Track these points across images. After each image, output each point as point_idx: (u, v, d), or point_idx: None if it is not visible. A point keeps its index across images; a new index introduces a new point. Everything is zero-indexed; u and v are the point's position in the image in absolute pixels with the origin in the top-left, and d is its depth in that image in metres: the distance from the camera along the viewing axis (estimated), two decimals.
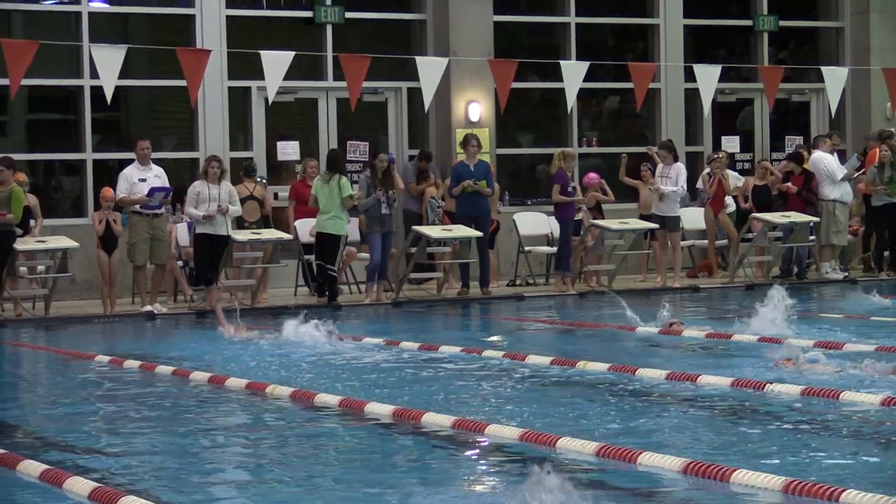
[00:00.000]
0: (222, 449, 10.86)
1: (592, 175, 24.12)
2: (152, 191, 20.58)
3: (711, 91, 23.79)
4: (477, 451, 10.10)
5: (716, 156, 24.60)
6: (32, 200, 21.08)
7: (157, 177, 20.76)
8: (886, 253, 24.49)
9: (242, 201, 21.44)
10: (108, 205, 21.03)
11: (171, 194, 20.94)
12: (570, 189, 22.98)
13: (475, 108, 24.35)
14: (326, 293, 21.40)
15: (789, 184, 24.17)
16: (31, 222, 20.95)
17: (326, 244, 21.23)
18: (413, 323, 18.98)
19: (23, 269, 20.67)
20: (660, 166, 23.50)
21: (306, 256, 22.32)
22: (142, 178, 20.57)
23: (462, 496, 8.51)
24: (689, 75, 24.48)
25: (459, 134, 24.11)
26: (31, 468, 9.39)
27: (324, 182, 21.18)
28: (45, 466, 9.01)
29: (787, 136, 27.32)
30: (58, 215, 22.23)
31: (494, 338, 17.54)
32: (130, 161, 21.13)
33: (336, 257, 21.32)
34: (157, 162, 21.14)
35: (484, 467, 9.70)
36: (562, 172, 23.06)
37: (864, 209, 25.05)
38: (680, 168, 23.59)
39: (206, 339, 17.73)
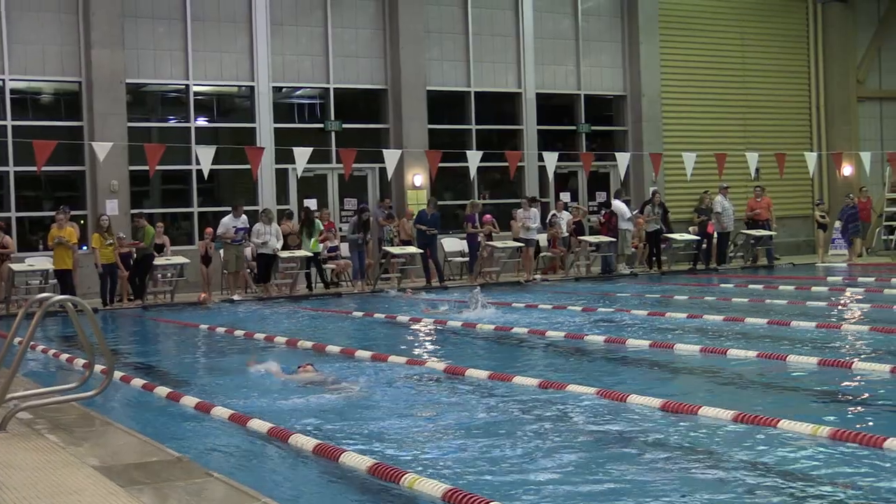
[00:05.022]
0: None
1: (487, 216, 24.25)
2: (238, 230, 20.80)
3: (553, 167, 23.97)
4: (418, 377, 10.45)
5: (554, 211, 24.95)
6: (166, 239, 21.24)
7: (243, 223, 20.95)
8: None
9: (286, 235, 21.66)
10: (207, 238, 21.28)
11: (247, 231, 21.12)
12: (474, 224, 23.33)
13: (418, 178, 24.44)
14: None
15: (601, 217, 24.60)
16: (165, 250, 21.07)
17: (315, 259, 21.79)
18: (383, 303, 19.07)
19: (158, 276, 20.86)
20: (521, 210, 23.83)
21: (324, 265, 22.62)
22: (235, 226, 20.74)
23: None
24: (541, 158, 24.48)
25: (410, 194, 24.43)
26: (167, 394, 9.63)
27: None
28: (196, 400, 8.99)
29: (596, 192, 27.61)
30: (178, 244, 22.13)
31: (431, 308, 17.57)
32: (222, 213, 21.38)
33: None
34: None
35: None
36: (471, 215, 23.43)
37: (643, 233, 25.33)
38: (536, 212, 23.96)
39: (263, 315, 17.99)
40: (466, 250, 23.72)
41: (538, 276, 23.33)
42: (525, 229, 23.57)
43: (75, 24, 21.74)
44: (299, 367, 10.13)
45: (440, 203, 24.30)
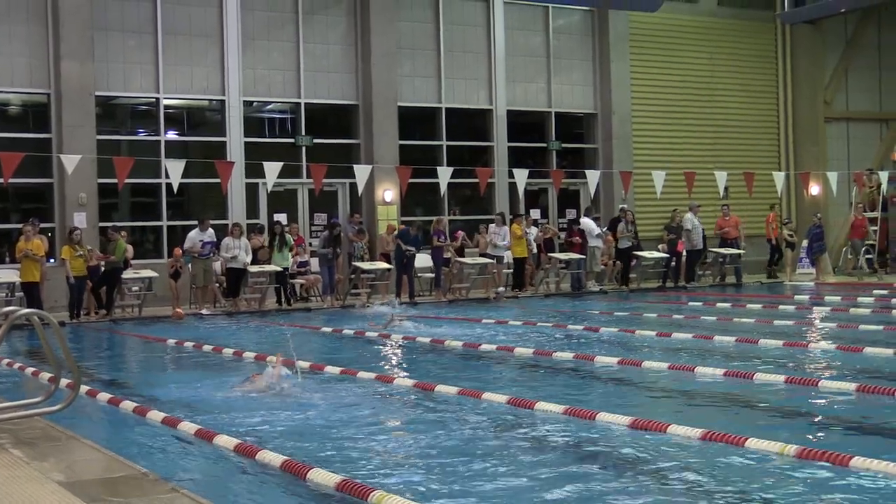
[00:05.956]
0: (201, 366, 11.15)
1: (459, 232, 24.43)
2: (204, 244, 20.78)
3: (523, 184, 23.92)
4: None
5: (526, 227, 24.88)
6: (129, 248, 21.14)
7: (210, 237, 20.95)
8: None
9: (256, 250, 21.63)
10: (177, 257, 21.19)
11: (214, 245, 21.09)
12: (441, 239, 23.33)
13: (388, 193, 24.47)
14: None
15: (577, 238, 24.70)
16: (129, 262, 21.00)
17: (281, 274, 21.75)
18: (350, 319, 18.99)
19: (127, 289, 20.74)
20: (494, 226, 23.89)
21: (291, 281, 22.53)
22: (201, 239, 20.78)
23: None
24: (511, 175, 24.40)
25: (381, 209, 24.43)
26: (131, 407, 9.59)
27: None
28: (163, 415, 8.95)
29: (566, 209, 27.76)
30: (147, 257, 22.18)
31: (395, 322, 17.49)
32: (190, 227, 21.47)
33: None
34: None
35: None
36: (437, 231, 23.43)
37: (612, 251, 25.41)
38: (506, 229, 23.98)
39: (232, 329, 17.93)
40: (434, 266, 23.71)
41: (501, 289, 23.36)
42: (493, 246, 23.62)
43: (44, 36, 21.62)
44: (252, 376, 10.43)
45: (410, 219, 24.33)
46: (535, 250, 24.78)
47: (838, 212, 30.14)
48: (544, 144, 27.44)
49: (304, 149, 24.02)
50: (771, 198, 28.60)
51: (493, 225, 23.85)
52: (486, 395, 9.21)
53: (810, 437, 7.45)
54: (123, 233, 21.00)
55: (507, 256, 24.25)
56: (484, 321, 17.20)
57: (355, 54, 24.86)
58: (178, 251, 21.29)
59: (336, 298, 22.06)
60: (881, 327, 14.27)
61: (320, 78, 24.49)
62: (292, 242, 22.04)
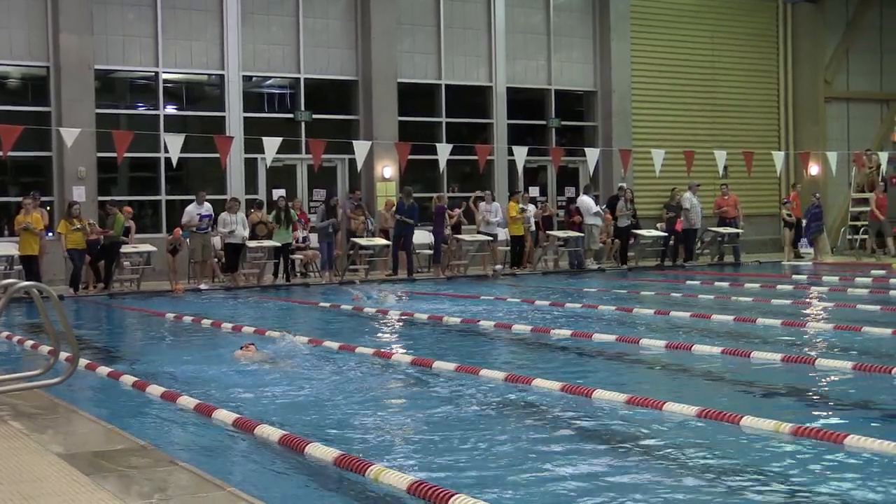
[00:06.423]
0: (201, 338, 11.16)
1: (456, 210, 24.41)
2: (202, 217, 20.77)
3: (522, 161, 23.90)
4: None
5: (523, 205, 24.82)
6: (132, 224, 21.11)
7: (207, 210, 20.94)
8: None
9: (254, 225, 21.63)
10: (176, 237, 21.14)
11: (212, 219, 21.09)
12: (441, 214, 23.31)
13: (387, 170, 24.46)
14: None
15: (577, 217, 24.68)
16: (130, 235, 20.93)
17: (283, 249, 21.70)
18: (346, 295, 18.98)
19: (125, 264, 20.75)
20: (483, 204, 23.88)
21: (292, 257, 22.52)
22: (199, 213, 20.77)
23: None
24: (511, 152, 24.38)
25: (380, 185, 24.43)
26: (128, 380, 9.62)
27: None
28: (162, 389, 9.02)
29: (565, 187, 27.74)
30: (145, 232, 22.15)
31: (391, 297, 17.60)
32: (189, 201, 21.39)
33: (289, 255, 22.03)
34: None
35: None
36: (438, 207, 23.40)
37: (611, 229, 25.42)
38: (498, 206, 23.97)
39: (231, 304, 17.95)
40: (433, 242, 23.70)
41: (499, 267, 23.40)
42: (486, 223, 23.61)
43: (43, 9, 21.57)
44: (242, 347, 10.62)
45: (397, 197, 24.29)
46: (533, 228, 24.76)
47: (838, 191, 30.15)
48: (544, 122, 27.39)
49: (303, 124, 23.97)
50: (770, 177, 28.62)
51: (483, 203, 23.84)
52: (484, 372, 9.22)
53: (806, 415, 7.47)
54: (128, 209, 20.96)
55: (504, 234, 24.24)
56: (482, 297, 17.20)
57: (355, 30, 24.78)
58: (177, 231, 21.27)
59: (334, 274, 22.06)
60: (878, 307, 14.29)
61: (320, 53, 24.43)
62: (296, 217, 22.00)
